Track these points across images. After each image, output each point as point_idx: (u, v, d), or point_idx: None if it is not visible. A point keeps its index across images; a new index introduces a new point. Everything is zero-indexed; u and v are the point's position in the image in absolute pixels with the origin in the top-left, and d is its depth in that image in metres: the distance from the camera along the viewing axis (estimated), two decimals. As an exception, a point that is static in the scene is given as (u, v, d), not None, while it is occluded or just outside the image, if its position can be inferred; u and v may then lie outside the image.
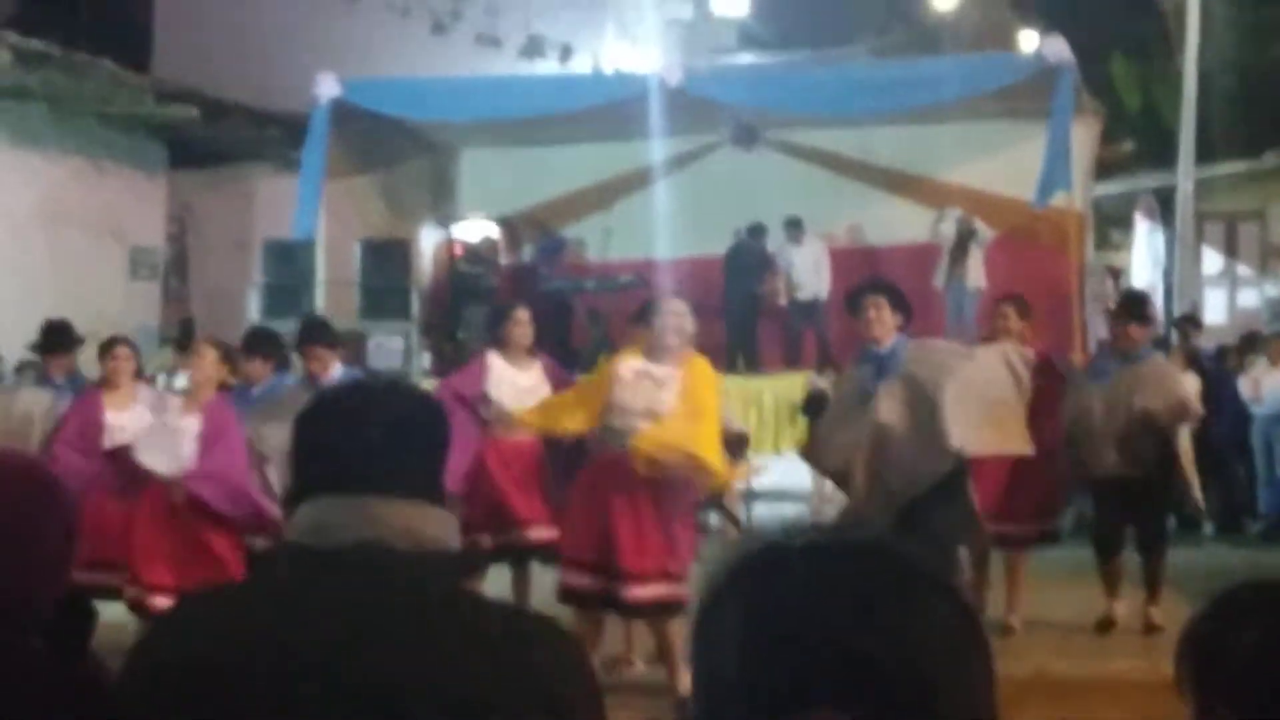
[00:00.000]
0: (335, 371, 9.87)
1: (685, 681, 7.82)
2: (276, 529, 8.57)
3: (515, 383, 10.02)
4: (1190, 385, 16.43)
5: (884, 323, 8.83)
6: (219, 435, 9.35)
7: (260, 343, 10.50)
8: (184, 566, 9.02)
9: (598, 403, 8.68)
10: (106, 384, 10.23)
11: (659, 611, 8.34)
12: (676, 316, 8.71)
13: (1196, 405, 10.98)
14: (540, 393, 9.85)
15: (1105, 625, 10.56)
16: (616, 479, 8.38)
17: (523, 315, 10.43)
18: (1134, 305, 11.31)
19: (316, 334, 10.42)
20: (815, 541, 1.49)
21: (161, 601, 8.76)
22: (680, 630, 8.20)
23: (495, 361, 10.16)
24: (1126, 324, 10.81)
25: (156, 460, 9.26)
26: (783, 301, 18.90)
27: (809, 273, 18.63)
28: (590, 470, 8.76)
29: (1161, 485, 10.62)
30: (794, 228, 18.77)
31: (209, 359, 9.76)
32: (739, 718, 1.39)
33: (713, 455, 8.37)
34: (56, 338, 12.14)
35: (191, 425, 9.37)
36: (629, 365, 8.66)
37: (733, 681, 1.40)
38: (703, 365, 8.80)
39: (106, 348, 10.47)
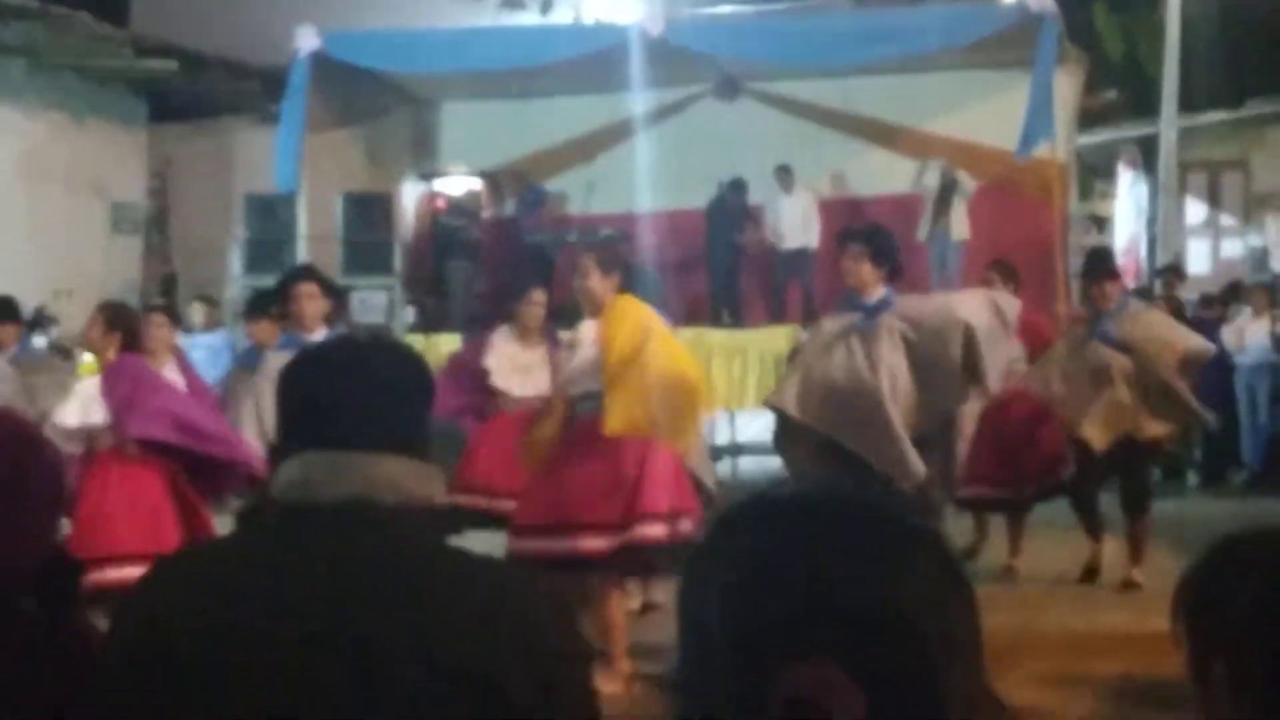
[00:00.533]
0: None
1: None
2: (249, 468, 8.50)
3: (514, 358, 10.05)
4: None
5: (860, 277, 8.50)
6: (134, 383, 9.22)
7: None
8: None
9: None
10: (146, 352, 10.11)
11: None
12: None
13: (1205, 344, 11.02)
14: (538, 373, 9.83)
15: (1091, 574, 10.59)
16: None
17: (539, 296, 10.44)
18: (1103, 261, 11.24)
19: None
20: (800, 494, 1.49)
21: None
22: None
23: (500, 336, 10.20)
24: (1102, 282, 10.74)
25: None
26: (762, 251, 18.89)
27: (796, 223, 18.58)
28: None
29: (1150, 443, 10.64)
30: (784, 174, 18.71)
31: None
32: (725, 670, 1.39)
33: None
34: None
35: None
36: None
37: (718, 633, 1.40)
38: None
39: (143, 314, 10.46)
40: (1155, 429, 10.54)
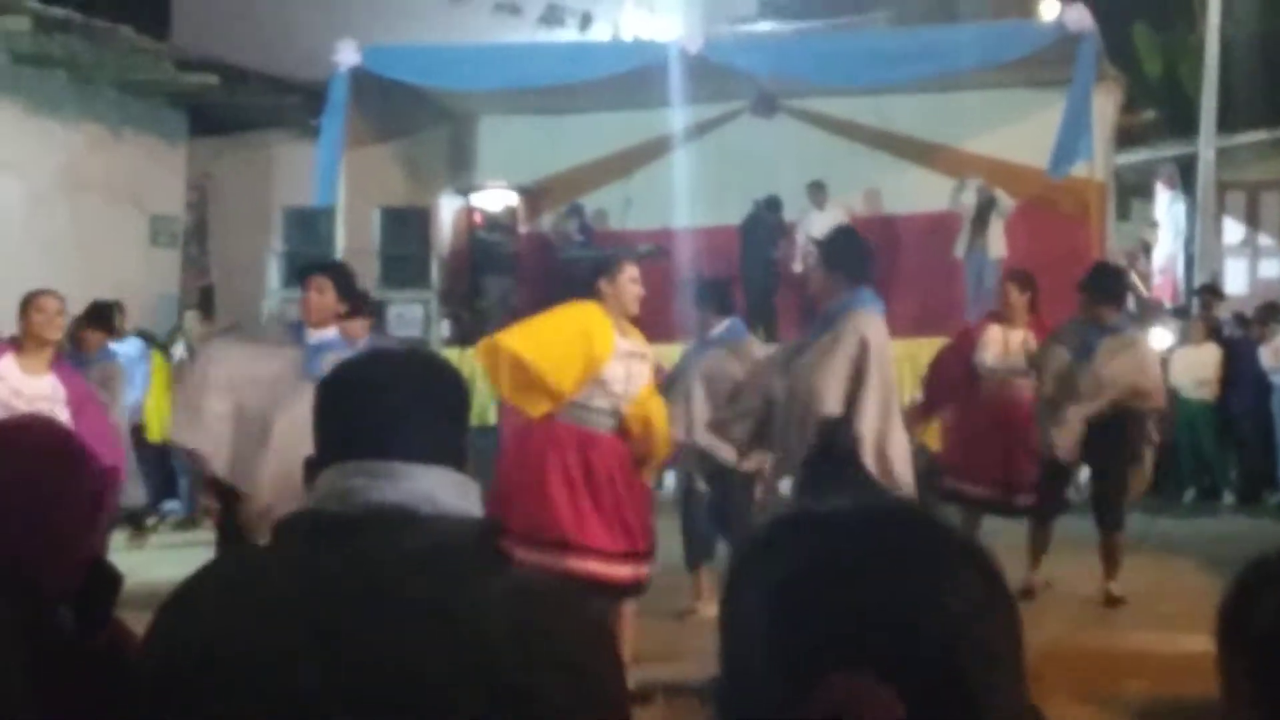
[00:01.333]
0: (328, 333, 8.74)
1: None
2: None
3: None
4: (1210, 355, 16.47)
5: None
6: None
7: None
8: None
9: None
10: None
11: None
12: (637, 283, 8.22)
13: (1160, 397, 10.88)
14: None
15: (1028, 593, 10.19)
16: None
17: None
18: (1105, 283, 11.00)
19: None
20: (844, 508, 1.50)
21: None
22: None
23: None
24: (1098, 305, 10.60)
25: None
26: (798, 269, 18.86)
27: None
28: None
29: (1119, 464, 10.56)
30: (817, 190, 18.69)
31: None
32: (766, 682, 1.40)
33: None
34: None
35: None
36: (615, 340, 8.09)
37: (762, 648, 1.41)
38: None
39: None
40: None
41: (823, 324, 8.03)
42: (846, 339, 7.73)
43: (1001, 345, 11.06)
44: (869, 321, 7.88)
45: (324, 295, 8.47)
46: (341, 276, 8.78)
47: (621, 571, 7.95)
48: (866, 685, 1.34)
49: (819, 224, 18.51)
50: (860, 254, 8.30)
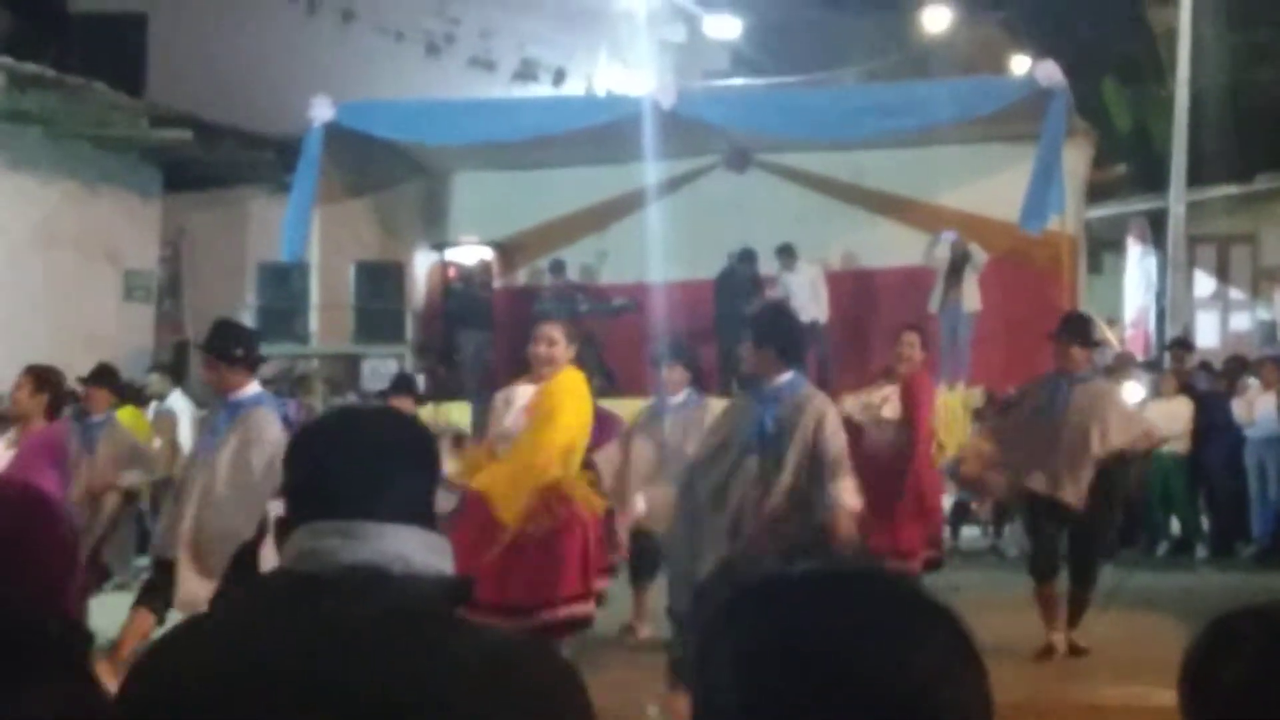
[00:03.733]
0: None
1: None
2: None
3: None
4: (1182, 408, 16.53)
5: (750, 360, 8.61)
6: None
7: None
8: None
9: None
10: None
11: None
12: (546, 341, 8.77)
13: (1157, 430, 10.97)
14: None
15: (1046, 653, 10.24)
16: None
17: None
18: (1076, 327, 11.07)
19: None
20: (814, 569, 1.51)
21: None
22: None
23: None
24: (1069, 345, 10.63)
25: None
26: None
27: (806, 297, 18.55)
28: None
29: (1101, 517, 10.55)
30: (786, 255, 18.69)
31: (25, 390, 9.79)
32: None
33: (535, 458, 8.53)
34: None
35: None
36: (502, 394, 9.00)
37: (734, 708, 1.42)
38: (567, 378, 8.78)
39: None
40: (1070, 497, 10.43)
41: (772, 400, 8.09)
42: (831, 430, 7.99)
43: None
44: (827, 402, 8.22)
45: (211, 371, 8.93)
46: (214, 342, 9.03)
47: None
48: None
49: (794, 283, 18.57)
50: (791, 333, 8.50)
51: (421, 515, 2.27)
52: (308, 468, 2.32)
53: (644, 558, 10.91)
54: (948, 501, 18.03)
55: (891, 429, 10.74)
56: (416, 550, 2.21)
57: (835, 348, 18.20)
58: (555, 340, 8.65)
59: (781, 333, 8.35)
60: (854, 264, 19.70)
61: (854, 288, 19.12)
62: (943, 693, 1.40)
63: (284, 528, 2.28)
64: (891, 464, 10.54)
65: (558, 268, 19.33)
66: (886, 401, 10.87)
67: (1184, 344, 19.36)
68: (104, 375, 12.27)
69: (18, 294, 19.31)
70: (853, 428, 9.96)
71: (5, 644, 2.54)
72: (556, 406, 8.59)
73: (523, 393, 8.74)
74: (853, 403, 10.77)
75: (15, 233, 19.53)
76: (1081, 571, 10.48)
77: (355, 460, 2.27)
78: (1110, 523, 10.76)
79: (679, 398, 11.21)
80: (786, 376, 8.10)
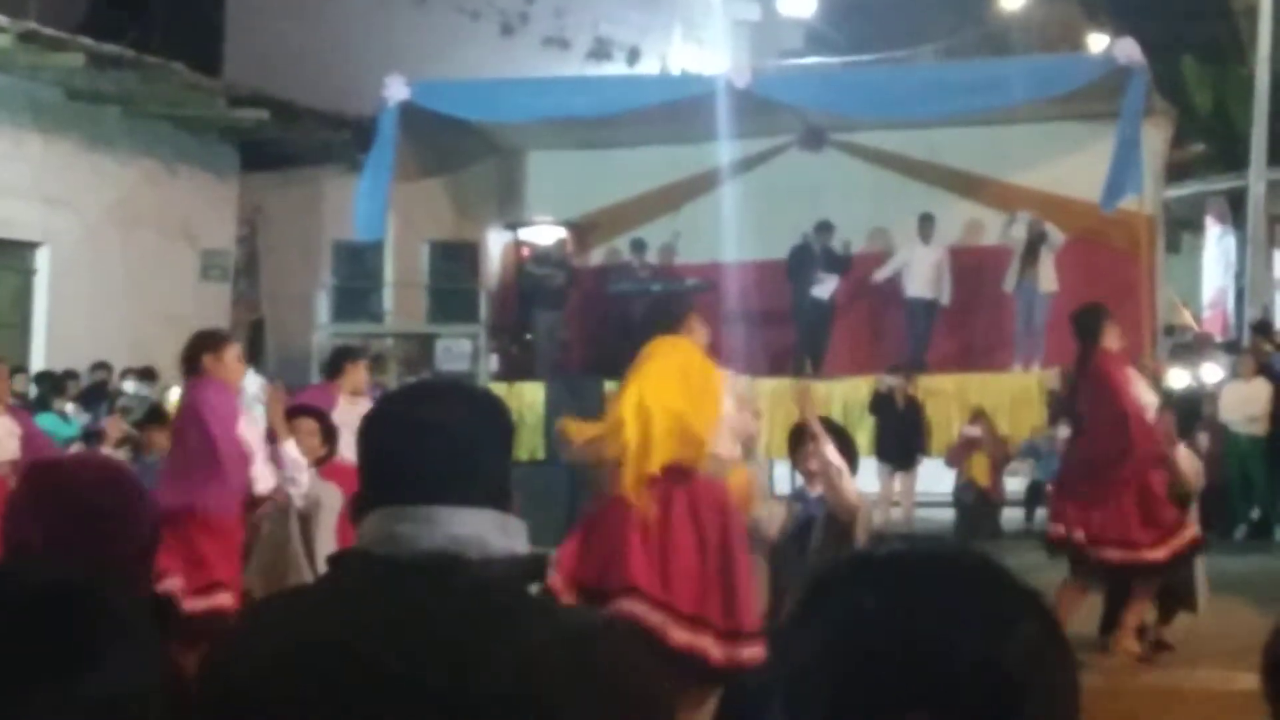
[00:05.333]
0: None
1: None
2: None
3: None
4: (1260, 390, 16.37)
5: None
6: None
7: None
8: None
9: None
10: None
11: None
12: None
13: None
14: None
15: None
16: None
17: None
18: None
19: None
20: (899, 552, 1.50)
21: None
22: None
23: None
24: None
25: None
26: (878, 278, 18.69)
27: (930, 274, 18.36)
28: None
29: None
30: (927, 223, 18.51)
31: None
32: None
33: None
34: None
35: None
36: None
37: (820, 688, 1.41)
38: None
39: None
40: None
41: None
42: None
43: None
44: None
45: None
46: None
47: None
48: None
49: (920, 257, 18.38)
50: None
51: (497, 494, 2.27)
52: (380, 448, 2.32)
53: None
54: (1022, 483, 17.98)
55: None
56: (491, 533, 2.21)
57: (941, 330, 18.20)
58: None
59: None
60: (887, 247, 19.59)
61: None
62: (1033, 677, 1.39)
63: (359, 507, 2.28)
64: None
65: (639, 246, 19.32)
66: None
67: (1265, 327, 19.17)
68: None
69: (97, 273, 19.50)
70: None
71: (93, 613, 2.56)
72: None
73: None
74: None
75: (94, 212, 19.72)
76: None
77: (428, 443, 2.26)
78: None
79: None
80: None
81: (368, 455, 2.33)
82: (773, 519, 7.76)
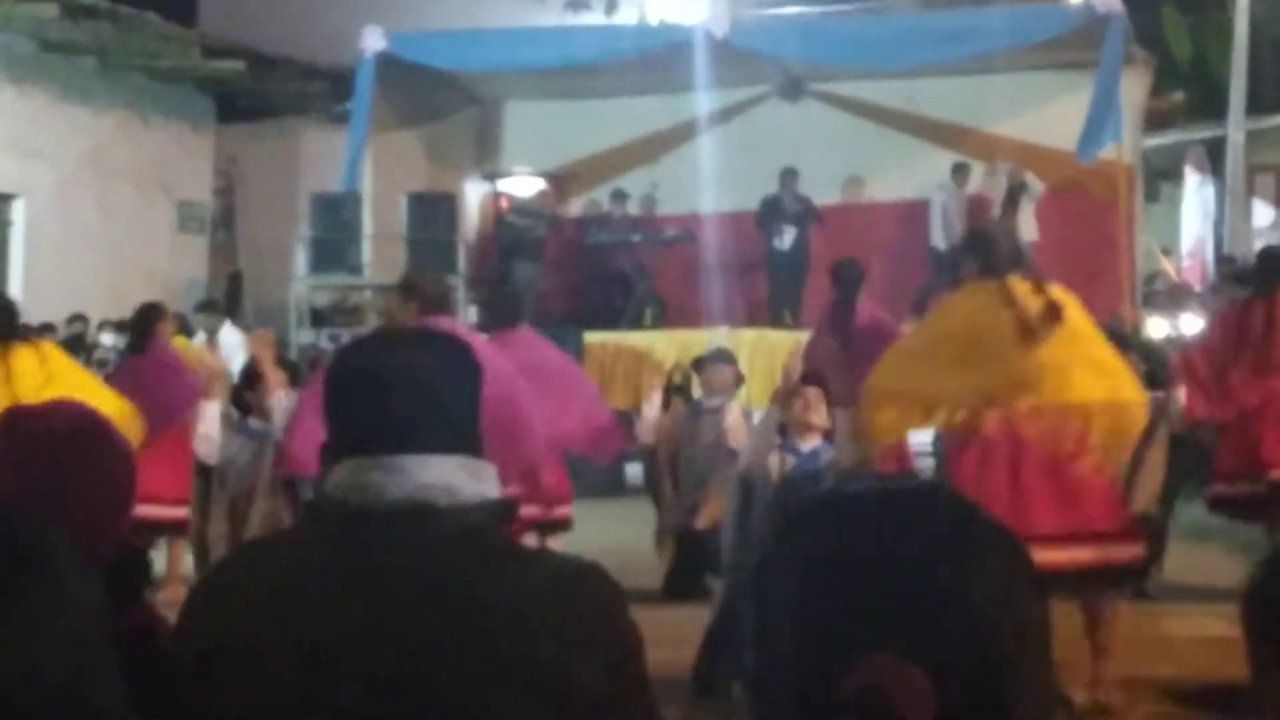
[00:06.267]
0: None
1: None
2: None
3: None
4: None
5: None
6: None
7: None
8: None
9: None
10: None
11: None
12: None
13: None
14: None
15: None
16: None
17: None
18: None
19: None
20: (870, 489, 1.50)
21: None
22: None
23: None
24: None
25: None
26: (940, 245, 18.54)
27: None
28: None
29: None
30: (960, 171, 18.49)
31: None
32: (799, 664, 1.39)
33: None
34: None
35: None
36: None
37: (793, 629, 1.40)
38: None
39: None
40: None
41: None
42: None
43: None
44: None
45: None
46: None
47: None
48: (896, 666, 1.34)
49: (956, 205, 18.21)
50: None
51: (464, 441, 2.26)
52: (346, 398, 2.30)
53: None
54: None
55: None
56: (460, 478, 2.20)
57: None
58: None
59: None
60: (859, 198, 19.54)
61: (906, 216, 18.99)
62: (1003, 612, 1.39)
63: (326, 456, 2.26)
64: None
65: (619, 197, 19.29)
66: None
67: (1245, 276, 19.14)
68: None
69: (72, 225, 19.42)
70: None
71: (64, 562, 2.54)
72: None
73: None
74: None
75: (68, 164, 19.63)
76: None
77: (392, 390, 2.24)
78: None
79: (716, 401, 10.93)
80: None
81: (333, 405, 2.31)
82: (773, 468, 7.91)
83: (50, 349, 8.91)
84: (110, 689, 1.59)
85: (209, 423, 9.32)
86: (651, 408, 11.49)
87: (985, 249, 7.97)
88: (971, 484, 7.20)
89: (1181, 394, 10.17)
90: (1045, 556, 6.88)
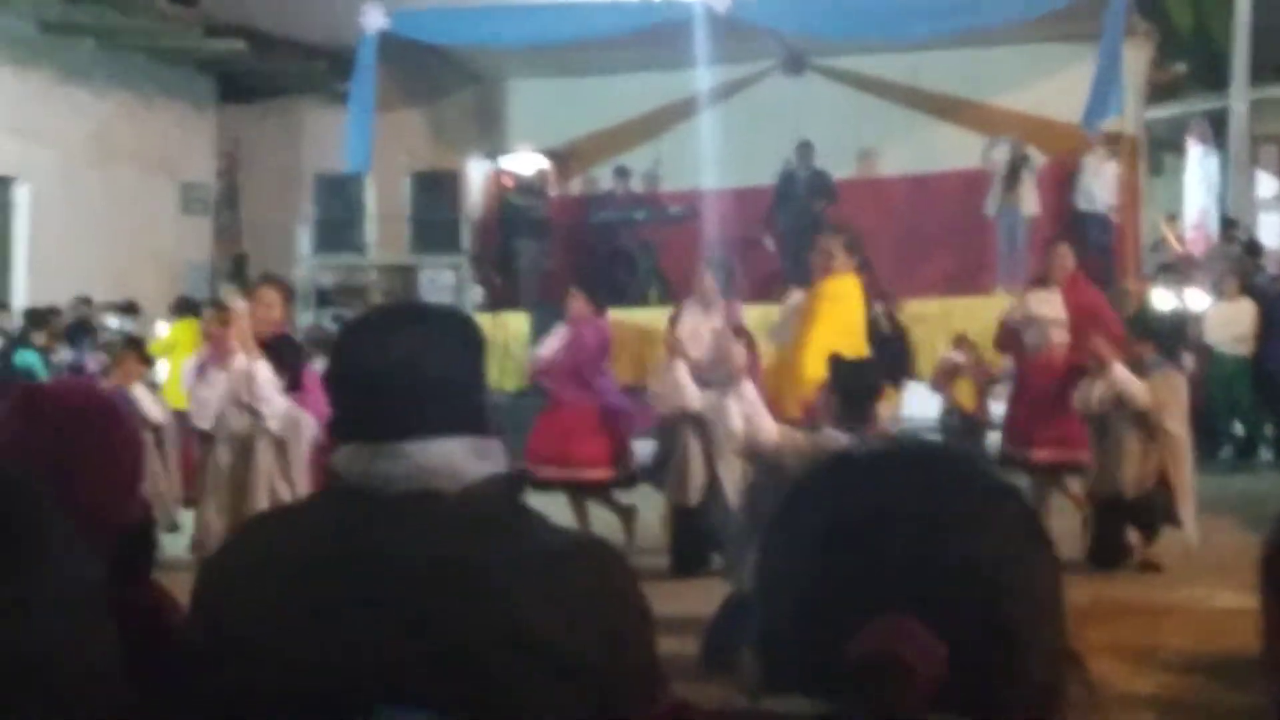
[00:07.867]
0: None
1: None
2: None
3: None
4: (1245, 311, 16.37)
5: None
6: None
7: None
8: None
9: None
10: None
11: None
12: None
13: None
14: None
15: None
16: None
17: None
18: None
19: None
20: (879, 451, 1.51)
21: None
22: None
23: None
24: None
25: None
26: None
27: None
28: None
29: None
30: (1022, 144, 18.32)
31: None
32: (809, 628, 1.40)
33: None
34: None
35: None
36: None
37: (803, 593, 1.40)
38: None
39: None
40: None
41: None
42: None
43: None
44: None
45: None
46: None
47: None
48: (908, 628, 1.34)
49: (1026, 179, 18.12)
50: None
51: (469, 419, 2.25)
52: (348, 382, 2.30)
53: None
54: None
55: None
56: (465, 459, 2.20)
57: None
58: (832, 254, 9.79)
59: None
60: (910, 167, 19.49)
61: (910, 190, 18.94)
62: (1013, 574, 1.39)
63: (331, 433, 2.26)
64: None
65: (622, 174, 19.28)
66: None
67: (1254, 247, 19.13)
68: (133, 345, 12.47)
69: (75, 208, 19.41)
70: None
71: (56, 535, 2.54)
72: (815, 310, 9.69)
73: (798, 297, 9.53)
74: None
75: (70, 146, 19.61)
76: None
77: (394, 375, 2.22)
78: None
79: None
80: None
81: (337, 388, 2.31)
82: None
83: None
84: (106, 662, 1.59)
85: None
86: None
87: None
88: None
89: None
90: None
